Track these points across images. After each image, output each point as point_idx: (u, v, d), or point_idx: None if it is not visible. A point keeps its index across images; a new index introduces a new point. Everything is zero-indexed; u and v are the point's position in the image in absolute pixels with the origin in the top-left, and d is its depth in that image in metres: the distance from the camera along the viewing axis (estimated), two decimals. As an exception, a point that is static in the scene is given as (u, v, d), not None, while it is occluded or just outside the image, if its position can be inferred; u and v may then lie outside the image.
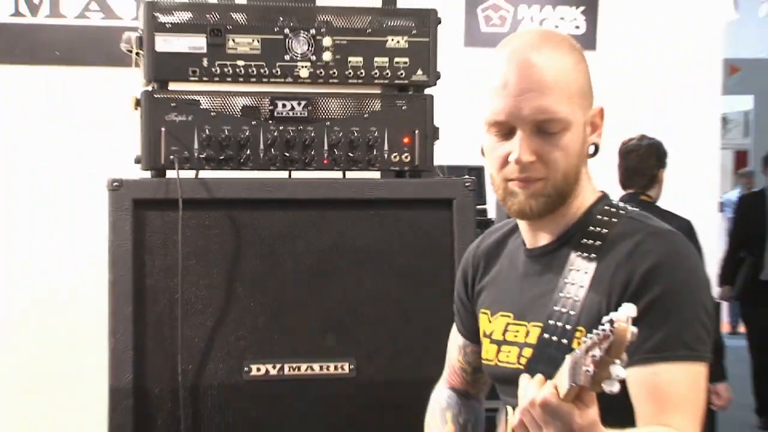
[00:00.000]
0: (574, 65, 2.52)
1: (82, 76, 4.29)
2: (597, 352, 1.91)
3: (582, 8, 9.35)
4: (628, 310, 1.88)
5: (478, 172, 4.21)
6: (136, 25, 3.85)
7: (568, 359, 2.02)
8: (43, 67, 4.28)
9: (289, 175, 3.87)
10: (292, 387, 3.76)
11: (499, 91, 2.47)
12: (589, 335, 1.95)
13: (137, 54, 3.85)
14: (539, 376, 2.07)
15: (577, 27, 8.90)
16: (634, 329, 1.86)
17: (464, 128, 3.92)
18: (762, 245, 10.32)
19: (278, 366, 3.74)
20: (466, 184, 3.81)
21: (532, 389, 2.05)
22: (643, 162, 7.37)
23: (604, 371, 1.90)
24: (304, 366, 3.75)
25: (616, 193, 4.20)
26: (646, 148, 7.42)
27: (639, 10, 9.60)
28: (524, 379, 2.12)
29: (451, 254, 3.77)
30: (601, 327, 1.91)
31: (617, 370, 1.89)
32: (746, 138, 18.57)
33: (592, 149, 2.57)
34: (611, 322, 1.88)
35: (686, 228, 6.77)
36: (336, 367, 3.75)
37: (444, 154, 4.04)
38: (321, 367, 3.76)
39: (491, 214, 5.43)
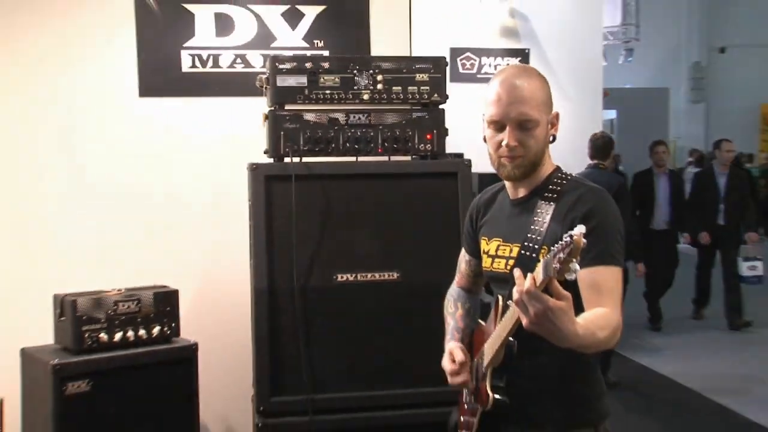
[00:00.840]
0: (541, 86, 2.56)
1: (232, 102, 4.27)
2: (562, 255, 1.94)
3: (520, 58, 9.18)
4: (581, 229, 1.92)
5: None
6: (264, 71, 3.82)
7: (542, 262, 2.03)
8: (209, 98, 4.28)
9: (356, 159, 3.77)
10: (361, 287, 3.70)
11: (495, 102, 2.50)
12: (555, 245, 1.97)
13: (265, 88, 3.78)
14: (529, 275, 2.04)
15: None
16: (585, 240, 1.91)
17: (457, 130, 3.86)
18: (652, 206, 9.71)
19: (354, 275, 3.69)
20: (465, 162, 3.79)
21: (521, 280, 2.05)
22: (603, 146, 8.53)
23: (566, 267, 1.94)
24: (369, 275, 3.70)
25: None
26: (605, 138, 8.64)
27: (555, 61, 9.49)
28: (517, 271, 2.08)
29: (456, 205, 3.72)
30: (563, 240, 1.94)
31: (574, 266, 1.93)
32: (612, 134, 18.58)
33: (551, 138, 2.60)
34: (571, 236, 1.91)
35: (622, 182, 8.60)
36: (388, 275, 3.71)
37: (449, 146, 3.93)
38: (380, 275, 3.70)
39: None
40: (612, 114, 18.27)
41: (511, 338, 2.34)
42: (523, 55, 9.36)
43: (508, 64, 9.13)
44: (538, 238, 2.47)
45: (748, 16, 23.41)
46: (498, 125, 2.51)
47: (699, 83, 23.64)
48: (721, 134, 22.20)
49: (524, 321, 2.07)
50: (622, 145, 17.91)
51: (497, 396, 2.46)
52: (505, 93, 2.49)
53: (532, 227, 2.50)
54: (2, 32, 4.11)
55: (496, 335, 2.41)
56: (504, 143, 2.48)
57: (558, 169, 2.62)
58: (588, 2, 10.42)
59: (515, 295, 2.06)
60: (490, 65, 8.88)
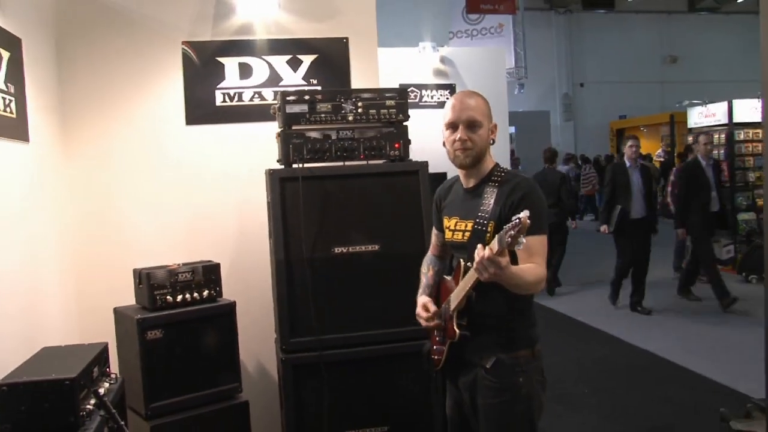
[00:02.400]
0: (484, 102, 2.54)
1: (252, 126, 4.07)
2: (512, 232, 1.99)
3: (449, 91, 9.04)
4: (527, 213, 1.99)
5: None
6: (275, 102, 3.62)
7: (497, 236, 2.06)
8: (235, 124, 4.07)
9: (344, 164, 3.54)
10: (352, 257, 3.44)
11: (451, 110, 2.50)
12: (507, 225, 2.03)
13: (277, 114, 3.53)
14: (487, 247, 2.10)
15: (446, 98, 8.61)
16: (529, 221, 1.99)
17: (416, 141, 3.61)
18: (628, 197, 7.60)
19: (347, 248, 3.44)
20: (424, 163, 3.54)
21: (480, 251, 2.10)
22: (551, 156, 9.42)
23: (516, 241, 2.00)
24: (357, 247, 3.45)
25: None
26: (552, 151, 9.52)
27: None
28: (479, 247, 2.13)
29: (419, 195, 3.49)
30: (513, 221, 2.00)
31: (522, 239, 2.00)
32: (512, 144, 18.36)
33: (492, 141, 2.54)
34: (519, 219, 1.98)
35: (564, 175, 9.37)
36: (371, 247, 3.46)
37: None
38: (365, 248, 3.45)
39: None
40: (512, 129, 18.18)
41: (472, 290, 2.35)
42: (451, 88, 9.23)
43: (448, 94, 9.06)
44: (486, 215, 2.41)
45: (598, 63, 24.11)
46: (453, 126, 2.48)
47: (568, 108, 24.14)
48: (586, 143, 22.95)
49: (482, 276, 2.14)
50: (519, 151, 18.02)
51: (462, 331, 2.45)
52: (458, 104, 2.48)
53: (481, 208, 2.44)
54: (99, 81, 3.95)
55: (460, 288, 2.40)
56: (457, 138, 2.45)
57: (497, 165, 2.56)
58: (493, 53, 10.37)
59: (477, 258, 2.11)
60: (427, 96, 8.85)
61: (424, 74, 9.22)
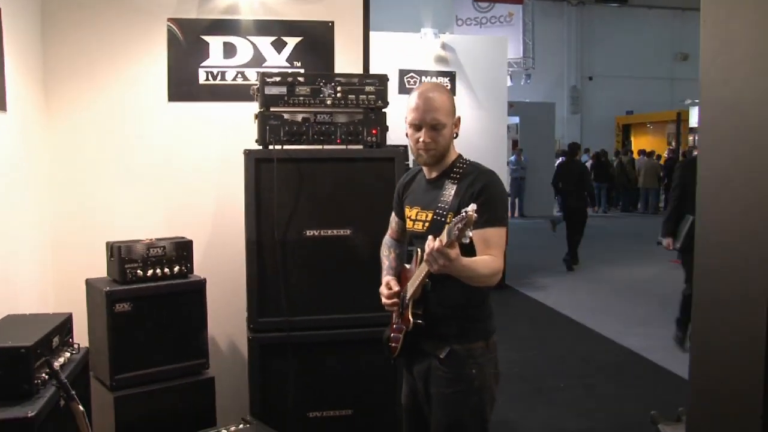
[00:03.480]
0: (448, 98, 2.51)
1: (234, 105, 4.07)
2: (460, 225, 2.02)
3: (448, 78, 9.06)
4: (473, 207, 2.01)
5: (405, 147, 3.83)
6: (256, 83, 3.60)
7: (446, 229, 2.09)
8: (217, 102, 4.09)
9: (322, 147, 3.56)
10: (323, 240, 3.49)
11: (414, 109, 2.48)
12: (456, 218, 2.05)
13: (256, 95, 3.54)
14: (438, 238, 2.13)
15: (446, 85, 8.59)
16: (476, 215, 2.00)
17: (397, 128, 3.54)
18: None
19: (318, 231, 3.48)
20: (400, 150, 3.56)
21: (431, 242, 2.13)
22: (573, 149, 10.08)
23: (463, 234, 2.02)
24: (329, 231, 3.49)
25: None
26: (575, 144, 10.09)
27: (473, 81, 9.33)
28: (430, 238, 2.15)
29: (393, 182, 3.35)
30: (461, 214, 2.02)
31: (469, 233, 2.02)
32: (517, 135, 18.39)
33: (455, 135, 2.53)
34: (466, 212, 2.00)
35: (585, 166, 10.41)
36: (343, 231, 3.51)
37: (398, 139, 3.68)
38: (336, 231, 3.50)
39: (410, 165, 5.12)
40: (516, 120, 18.21)
41: (427, 279, 2.38)
42: (451, 75, 9.27)
43: (448, 82, 9.05)
44: (446, 206, 2.43)
45: (608, 57, 24.27)
46: (417, 126, 2.47)
47: (575, 100, 24.16)
48: (591, 137, 22.99)
49: (432, 268, 2.16)
50: (523, 142, 18.04)
51: (416, 321, 2.48)
52: (422, 103, 2.45)
53: (441, 199, 2.46)
54: (83, 54, 3.97)
55: (416, 277, 2.43)
56: (421, 140, 2.46)
57: (460, 156, 2.56)
58: (496, 41, 10.38)
59: (426, 250, 2.15)
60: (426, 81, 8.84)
61: (424, 60, 9.24)
